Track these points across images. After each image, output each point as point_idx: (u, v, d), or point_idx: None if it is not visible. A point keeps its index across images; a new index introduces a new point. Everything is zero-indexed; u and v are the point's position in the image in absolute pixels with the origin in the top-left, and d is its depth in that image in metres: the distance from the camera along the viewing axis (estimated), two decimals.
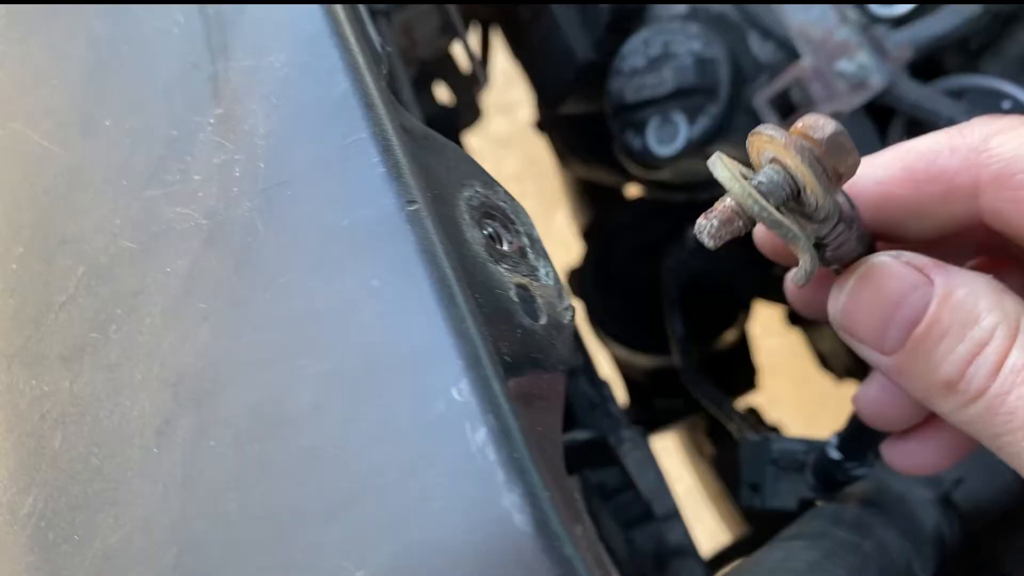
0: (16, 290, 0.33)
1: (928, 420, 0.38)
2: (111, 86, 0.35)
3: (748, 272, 0.85)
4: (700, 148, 0.65)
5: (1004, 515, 0.54)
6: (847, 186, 0.32)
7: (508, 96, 0.85)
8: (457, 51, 0.98)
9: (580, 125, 0.86)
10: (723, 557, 0.81)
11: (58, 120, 0.35)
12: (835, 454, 0.46)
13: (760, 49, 0.66)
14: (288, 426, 0.29)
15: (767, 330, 1.16)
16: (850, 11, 0.64)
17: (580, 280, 1.01)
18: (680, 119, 0.66)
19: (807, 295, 0.39)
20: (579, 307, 1.02)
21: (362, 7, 0.34)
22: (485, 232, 0.32)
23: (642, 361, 0.98)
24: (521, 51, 0.86)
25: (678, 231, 0.84)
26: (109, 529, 0.30)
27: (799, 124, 0.26)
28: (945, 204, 0.33)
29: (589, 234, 1.00)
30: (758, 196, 0.26)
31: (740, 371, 0.98)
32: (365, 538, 0.27)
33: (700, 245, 0.84)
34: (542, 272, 0.33)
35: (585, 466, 0.57)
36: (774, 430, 0.94)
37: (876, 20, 0.65)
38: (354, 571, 0.27)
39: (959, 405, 0.30)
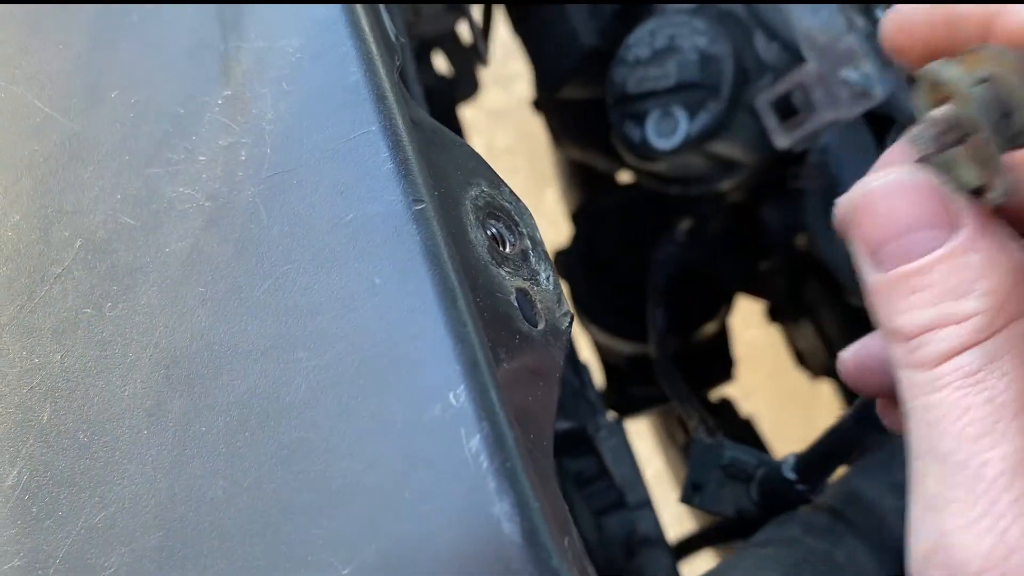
0: (11, 258, 0.33)
1: None
2: (118, 56, 0.34)
3: (734, 265, 0.85)
4: (698, 144, 0.65)
5: None
6: None
7: (506, 68, 0.85)
8: (459, 24, 0.97)
9: (578, 109, 0.86)
10: (689, 545, 0.82)
11: (62, 87, 0.34)
12: (790, 474, 0.45)
13: (765, 49, 0.66)
14: (281, 417, 0.29)
15: (746, 322, 1.17)
16: (859, 18, 0.63)
17: (566, 262, 1.01)
18: (680, 114, 0.66)
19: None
20: (564, 288, 1.02)
21: None
22: (489, 233, 0.32)
23: (622, 347, 0.98)
24: (524, 29, 0.85)
25: (668, 222, 0.84)
26: (94, 507, 0.30)
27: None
28: None
29: (578, 216, 1.00)
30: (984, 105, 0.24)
31: (717, 362, 0.99)
32: (353, 535, 0.27)
33: (691, 238, 0.84)
34: (543, 276, 0.33)
35: (564, 455, 0.57)
36: (747, 422, 0.95)
37: None
38: (340, 568, 0.27)
39: (899, 358, 0.27)
